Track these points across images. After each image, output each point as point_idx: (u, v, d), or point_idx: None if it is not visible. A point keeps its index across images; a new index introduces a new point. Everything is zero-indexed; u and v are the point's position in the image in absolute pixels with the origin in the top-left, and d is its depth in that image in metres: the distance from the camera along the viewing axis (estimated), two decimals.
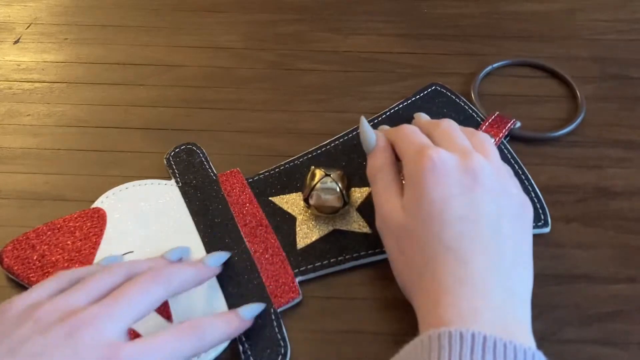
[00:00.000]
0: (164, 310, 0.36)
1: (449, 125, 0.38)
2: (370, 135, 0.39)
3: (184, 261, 0.37)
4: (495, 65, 0.52)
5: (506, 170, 0.36)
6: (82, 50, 0.55)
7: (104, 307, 0.29)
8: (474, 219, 0.32)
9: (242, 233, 0.40)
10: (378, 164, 0.38)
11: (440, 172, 0.33)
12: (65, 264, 0.38)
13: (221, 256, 0.37)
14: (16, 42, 0.56)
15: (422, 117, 0.43)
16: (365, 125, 0.39)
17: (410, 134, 0.37)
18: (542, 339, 0.35)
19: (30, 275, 0.37)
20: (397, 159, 0.38)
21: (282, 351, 0.34)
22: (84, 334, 0.28)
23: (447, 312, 0.29)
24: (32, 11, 0.59)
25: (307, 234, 0.40)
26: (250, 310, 0.34)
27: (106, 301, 0.30)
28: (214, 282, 0.37)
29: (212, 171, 0.44)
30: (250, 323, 0.34)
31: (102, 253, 0.39)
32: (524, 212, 0.35)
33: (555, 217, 0.41)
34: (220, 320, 0.33)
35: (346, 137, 0.46)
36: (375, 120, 0.47)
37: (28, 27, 0.57)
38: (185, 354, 0.30)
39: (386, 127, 0.42)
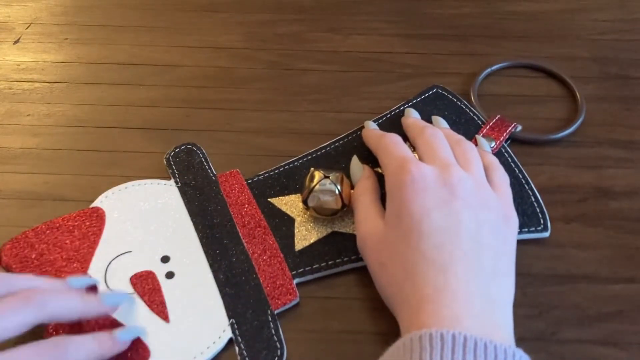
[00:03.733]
0: (160, 310, 0.36)
1: (433, 134, 0.39)
2: (358, 170, 0.41)
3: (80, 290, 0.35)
4: (494, 67, 0.52)
5: (486, 186, 0.37)
6: (82, 50, 0.55)
7: None
8: (453, 230, 0.33)
9: (240, 234, 0.40)
10: (360, 191, 0.39)
11: (419, 186, 0.34)
12: (64, 263, 0.38)
13: (121, 297, 0.36)
14: (16, 42, 0.56)
15: (412, 114, 0.44)
16: (355, 160, 0.42)
17: (393, 145, 0.38)
18: (542, 339, 0.35)
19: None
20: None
21: (279, 352, 0.34)
22: None
23: (428, 320, 0.29)
24: (32, 11, 0.59)
25: (305, 235, 0.40)
26: (127, 333, 0.33)
27: None
28: (211, 282, 0.37)
29: (212, 171, 0.44)
30: (125, 346, 0.33)
31: (100, 252, 0.39)
32: (505, 223, 0.35)
33: (555, 217, 0.41)
34: (89, 340, 0.31)
35: (346, 139, 0.46)
36: (377, 122, 0.47)
37: (28, 27, 0.58)
38: None
39: (373, 125, 0.45)
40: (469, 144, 0.39)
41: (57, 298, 0.31)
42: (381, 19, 0.58)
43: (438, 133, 0.39)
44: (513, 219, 0.36)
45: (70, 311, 0.32)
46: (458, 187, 0.34)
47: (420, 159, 0.38)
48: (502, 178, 0.38)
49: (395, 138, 0.39)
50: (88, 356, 0.31)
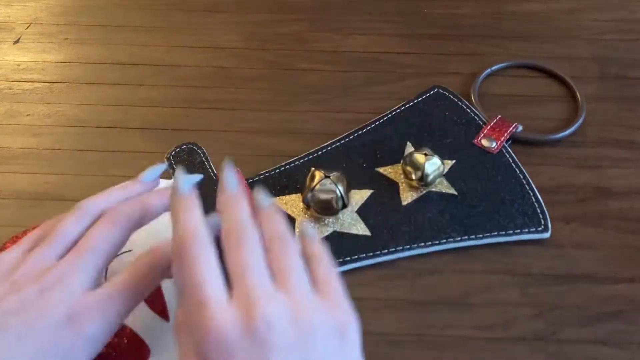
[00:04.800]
0: (160, 310, 0.36)
1: (242, 239, 0.29)
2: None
3: (151, 191, 0.36)
4: (494, 67, 0.52)
5: (308, 305, 0.28)
6: (82, 50, 0.55)
7: (69, 264, 0.30)
8: None
9: None
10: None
11: (220, 347, 0.26)
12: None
13: (193, 178, 0.33)
14: (16, 42, 0.56)
15: (262, 199, 0.32)
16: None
17: (198, 260, 0.28)
18: (542, 339, 0.35)
19: None
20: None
21: None
22: (54, 292, 0.29)
23: None
24: (32, 11, 0.59)
25: None
26: (187, 179, 0.32)
27: (71, 257, 0.30)
28: (188, 182, 0.36)
29: (212, 171, 0.44)
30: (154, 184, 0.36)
31: None
32: (341, 341, 0.28)
33: (555, 217, 0.41)
34: (139, 199, 0.34)
35: (347, 139, 0.46)
36: (377, 122, 0.47)
37: (28, 27, 0.57)
38: (124, 235, 0.32)
39: (185, 183, 0.32)
40: (284, 242, 0.30)
41: (138, 206, 0.33)
42: (381, 19, 0.58)
43: (249, 240, 0.29)
44: (350, 327, 0.29)
45: (154, 211, 0.34)
46: (269, 335, 0.26)
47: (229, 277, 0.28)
48: (327, 272, 0.30)
49: (206, 248, 0.28)
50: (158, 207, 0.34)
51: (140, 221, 0.33)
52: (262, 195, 0.32)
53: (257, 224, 0.30)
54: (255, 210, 0.31)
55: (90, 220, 0.33)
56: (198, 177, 0.34)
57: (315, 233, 0.32)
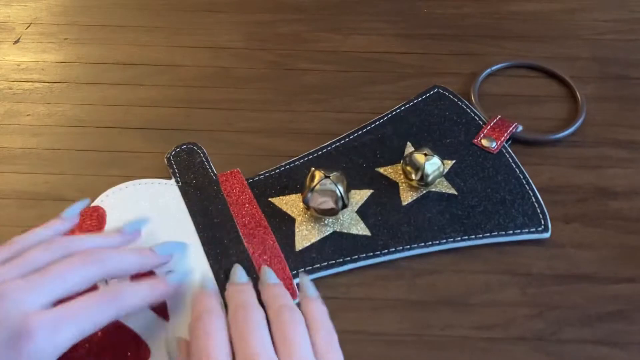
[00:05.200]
0: (160, 309, 0.36)
1: (245, 315, 0.31)
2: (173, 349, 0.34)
3: (132, 248, 0.37)
4: (494, 67, 0.52)
5: None
6: (82, 50, 0.55)
7: (27, 281, 0.29)
8: None
9: (241, 233, 0.40)
10: None
11: None
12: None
13: (173, 246, 0.37)
14: (16, 42, 0.56)
15: (269, 280, 0.36)
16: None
17: (242, 336, 0.30)
18: (542, 339, 0.35)
19: None
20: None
21: None
22: (2, 304, 0.28)
23: None
24: (32, 11, 0.59)
25: (306, 235, 0.40)
26: (166, 247, 0.35)
27: (32, 275, 0.30)
28: (211, 282, 0.37)
29: (212, 171, 0.44)
30: (167, 259, 0.35)
31: None
32: None
33: (555, 217, 0.41)
34: (143, 285, 0.33)
35: (347, 139, 0.46)
36: (377, 122, 0.47)
37: (28, 27, 0.58)
38: (102, 320, 0.30)
39: (211, 285, 0.36)
40: (290, 315, 0.32)
41: (115, 255, 0.33)
42: (381, 19, 0.58)
43: (252, 314, 0.32)
44: None
45: (128, 266, 0.34)
46: None
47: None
48: (327, 339, 0.32)
49: (251, 324, 0.31)
50: (143, 301, 0.32)
51: (112, 273, 0.33)
52: (268, 271, 0.37)
53: (263, 298, 0.34)
54: (261, 285, 0.35)
55: (59, 256, 0.32)
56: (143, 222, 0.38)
57: (315, 289, 0.35)
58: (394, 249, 0.39)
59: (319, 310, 0.33)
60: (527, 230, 0.40)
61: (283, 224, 0.41)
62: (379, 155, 0.45)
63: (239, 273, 0.36)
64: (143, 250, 0.35)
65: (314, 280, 0.38)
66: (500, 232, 0.40)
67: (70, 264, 0.31)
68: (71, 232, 0.39)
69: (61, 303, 0.30)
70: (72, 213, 0.37)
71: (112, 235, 0.36)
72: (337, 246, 0.39)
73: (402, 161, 0.43)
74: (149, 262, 0.35)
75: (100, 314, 0.30)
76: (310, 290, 0.35)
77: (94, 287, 0.35)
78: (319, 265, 0.38)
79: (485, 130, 0.46)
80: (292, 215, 0.41)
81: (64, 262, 0.31)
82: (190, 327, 0.32)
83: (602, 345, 0.35)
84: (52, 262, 0.31)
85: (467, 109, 0.48)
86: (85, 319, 0.29)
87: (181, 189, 0.42)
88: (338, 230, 0.40)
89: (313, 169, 0.40)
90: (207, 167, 0.44)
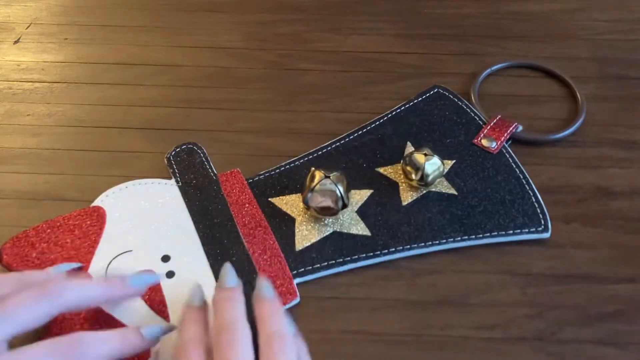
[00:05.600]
0: (160, 310, 0.36)
1: (280, 349, 0.29)
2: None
3: (107, 277, 0.35)
4: (494, 67, 0.52)
5: None
6: (82, 50, 0.55)
7: None
8: None
9: (241, 233, 0.40)
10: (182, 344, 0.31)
11: None
12: (64, 262, 0.38)
13: (148, 278, 0.35)
14: (16, 42, 0.56)
15: (265, 295, 0.32)
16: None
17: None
18: (542, 339, 0.35)
19: None
20: None
21: None
22: None
23: None
24: (32, 11, 0.59)
25: (306, 235, 0.40)
26: (154, 330, 0.31)
27: None
28: (211, 282, 0.37)
29: (212, 171, 0.44)
30: (152, 344, 0.31)
31: (101, 251, 0.39)
32: None
33: (555, 217, 0.41)
34: (111, 335, 0.30)
35: (347, 139, 0.46)
36: (377, 122, 0.47)
37: (28, 27, 0.58)
38: (39, 319, 0.29)
39: (197, 299, 0.33)
40: (281, 343, 0.29)
41: (75, 286, 0.30)
42: (381, 19, 0.58)
43: (239, 336, 0.29)
44: None
45: (90, 297, 0.31)
46: None
47: None
48: None
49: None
50: (110, 353, 0.29)
51: (72, 307, 0.31)
52: (264, 284, 0.32)
53: (256, 314, 0.31)
54: (255, 298, 0.32)
55: (9, 291, 0.30)
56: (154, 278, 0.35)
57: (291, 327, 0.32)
58: (394, 249, 0.39)
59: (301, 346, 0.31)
60: (527, 230, 0.40)
61: (283, 224, 0.41)
62: (379, 155, 0.45)
63: (228, 276, 0.32)
64: (111, 280, 0.33)
65: (314, 280, 0.38)
66: (500, 232, 0.40)
67: (21, 299, 0.29)
68: (70, 231, 0.40)
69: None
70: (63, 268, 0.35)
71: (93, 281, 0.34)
72: (337, 246, 0.39)
73: (402, 161, 0.43)
74: (116, 293, 0.33)
75: (36, 312, 0.28)
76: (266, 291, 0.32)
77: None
78: (319, 265, 0.38)
79: (485, 130, 0.46)
80: (292, 215, 0.41)
81: (14, 298, 0.29)
82: (174, 351, 0.30)
83: (602, 345, 0.35)
84: (5, 296, 0.29)
85: (467, 109, 0.48)
86: (18, 321, 0.28)
87: (181, 189, 0.42)
88: (338, 230, 0.40)
89: (313, 169, 0.40)
90: (207, 167, 0.44)
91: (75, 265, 0.36)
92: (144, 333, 0.31)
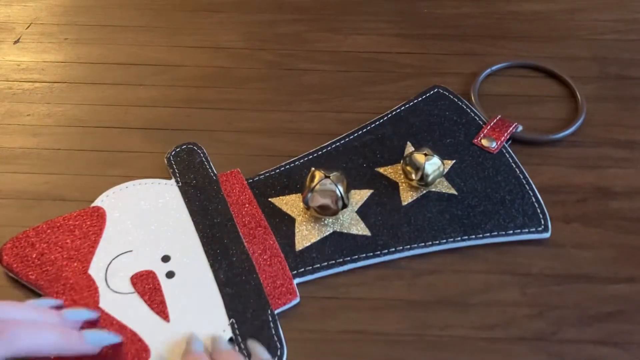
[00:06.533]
0: (160, 310, 0.36)
1: None
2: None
3: (58, 324, 0.33)
4: (494, 67, 0.52)
5: None
6: (82, 50, 0.55)
7: None
8: None
9: (241, 233, 0.40)
10: None
11: None
12: (64, 262, 0.38)
13: (109, 338, 0.34)
14: (16, 42, 0.56)
15: (193, 346, 0.34)
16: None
17: None
18: (542, 339, 0.35)
19: (29, 273, 0.37)
20: None
21: (279, 352, 0.34)
22: None
23: None
24: (32, 11, 0.59)
25: (306, 235, 0.40)
26: (96, 337, 0.32)
27: None
28: (211, 282, 0.37)
29: (212, 171, 0.44)
30: (93, 350, 0.31)
31: (101, 252, 0.39)
32: None
33: (555, 217, 0.41)
34: (47, 330, 0.30)
35: (347, 139, 0.46)
36: (377, 122, 0.47)
37: (28, 27, 0.58)
38: None
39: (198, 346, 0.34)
40: None
41: (32, 332, 0.30)
42: (381, 19, 0.58)
43: None
44: None
45: (45, 347, 0.30)
46: None
47: None
48: None
49: None
50: (42, 345, 0.30)
51: (24, 352, 0.29)
52: (220, 341, 0.34)
53: None
54: (214, 355, 0.33)
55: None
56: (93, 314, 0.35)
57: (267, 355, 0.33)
58: (394, 249, 0.39)
59: None
60: (527, 230, 0.40)
61: (283, 224, 0.41)
62: (379, 155, 0.45)
63: (194, 341, 0.33)
64: (69, 332, 0.32)
65: (314, 280, 0.38)
66: (500, 232, 0.40)
67: None
68: (70, 231, 0.40)
69: None
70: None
71: (49, 311, 0.32)
72: (337, 246, 0.39)
73: (402, 161, 0.43)
74: (72, 347, 0.31)
75: None
76: (265, 355, 0.33)
77: None
78: (319, 265, 0.38)
79: (485, 130, 0.46)
80: (292, 215, 0.41)
81: None
82: None
83: (602, 345, 0.35)
84: None
85: (467, 109, 0.48)
86: None
87: (181, 189, 0.42)
88: (338, 230, 0.40)
89: (313, 169, 0.40)
90: (207, 167, 0.44)
91: (93, 315, 0.35)
92: (85, 336, 0.31)
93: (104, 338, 0.33)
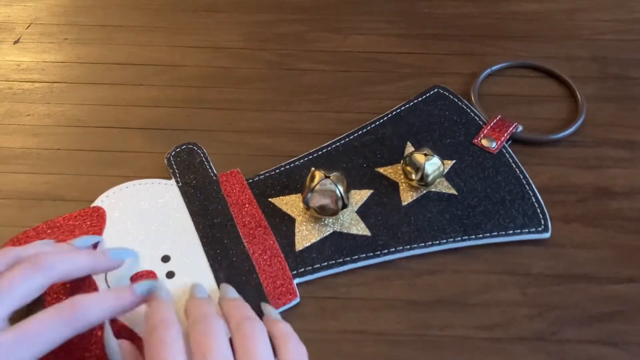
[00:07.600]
0: None
1: (206, 327, 0.30)
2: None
3: (85, 249, 0.36)
4: (494, 67, 0.52)
5: None
6: (82, 50, 0.55)
7: None
8: None
9: (241, 234, 0.40)
10: None
11: None
12: (85, 235, 0.38)
13: (126, 253, 0.37)
14: (16, 42, 0.56)
15: (197, 293, 0.34)
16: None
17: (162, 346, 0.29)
18: (542, 339, 0.35)
19: None
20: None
21: None
22: None
23: None
24: (32, 11, 0.59)
25: (306, 235, 0.40)
26: (144, 286, 0.32)
27: None
28: (211, 282, 0.37)
29: (213, 171, 0.44)
30: (144, 300, 0.32)
31: None
32: None
33: (555, 217, 0.41)
34: (106, 296, 0.31)
35: (347, 139, 0.46)
36: (377, 122, 0.47)
37: (28, 27, 0.58)
38: (64, 335, 0.29)
39: (202, 293, 0.35)
40: (252, 325, 0.31)
41: (64, 258, 0.32)
42: (381, 19, 0.58)
43: (212, 325, 0.31)
44: None
45: (79, 269, 0.33)
46: None
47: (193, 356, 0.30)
48: (297, 350, 0.31)
49: (212, 333, 0.30)
50: (107, 312, 0.31)
51: (62, 277, 0.32)
52: (229, 289, 0.35)
53: (224, 312, 0.33)
54: (220, 302, 0.34)
55: (4, 267, 0.31)
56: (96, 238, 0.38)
57: (276, 314, 0.34)
58: (394, 249, 0.39)
59: (285, 326, 0.32)
60: (527, 230, 0.40)
61: (283, 224, 0.41)
62: (379, 155, 0.45)
63: (198, 289, 0.34)
64: (94, 253, 0.35)
65: (314, 280, 0.38)
66: (500, 232, 0.40)
67: (16, 273, 0.30)
68: (70, 231, 0.40)
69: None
70: (84, 243, 0.37)
71: (62, 244, 0.35)
72: (337, 246, 0.39)
73: (402, 161, 0.43)
74: (101, 265, 0.35)
75: (61, 331, 0.29)
76: (273, 314, 0.34)
77: (91, 286, 0.36)
78: (319, 265, 0.38)
79: (485, 130, 0.46)
80: (292, 215, 0.41)
81: (9, 273, 0.30)
82: (144, 338, 0.30)
83: (602, 345, 0.35)
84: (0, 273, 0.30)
85: (467, 109, 0.48)
86: (41, 341, 0.28)
87: (181, 189, 0.42)
88: (338, 230, 0.40)
89: (313, 169, 0.40)
90: (207, 167, 0.44)
91: (96, 239, 0.38)
92: (135, 289, 0.32)
93: (123, 253, 0.37)
